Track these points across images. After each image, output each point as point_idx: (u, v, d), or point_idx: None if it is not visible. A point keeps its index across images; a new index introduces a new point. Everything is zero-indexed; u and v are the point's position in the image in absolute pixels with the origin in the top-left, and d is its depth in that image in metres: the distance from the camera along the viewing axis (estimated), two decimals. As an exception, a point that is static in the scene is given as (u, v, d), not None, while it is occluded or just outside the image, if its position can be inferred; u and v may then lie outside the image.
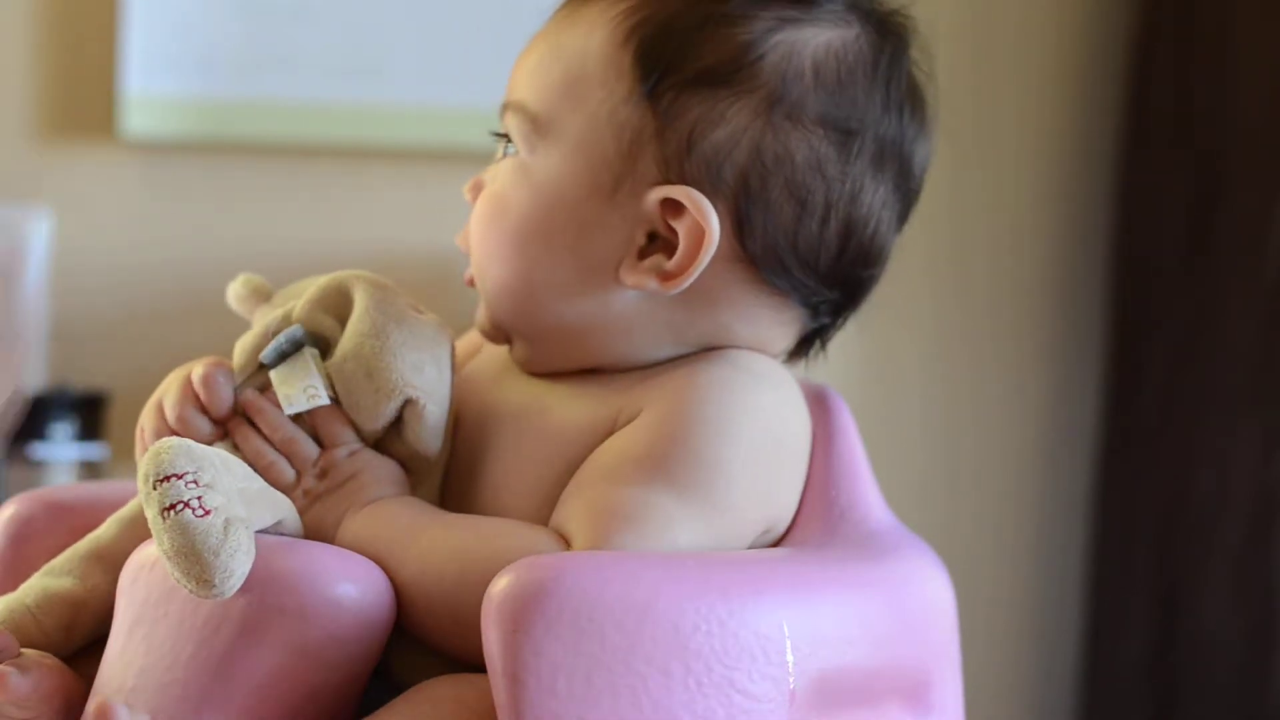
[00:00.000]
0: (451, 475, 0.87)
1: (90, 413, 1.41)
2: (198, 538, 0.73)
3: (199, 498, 0.73)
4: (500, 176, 0.87)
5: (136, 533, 0.83)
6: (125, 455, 1.44)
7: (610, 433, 0.83)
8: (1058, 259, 1.63)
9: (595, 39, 0.85)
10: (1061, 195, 1.62)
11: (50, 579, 0.84)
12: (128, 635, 0.78)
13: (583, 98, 0.84)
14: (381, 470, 0.84)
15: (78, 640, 0.83)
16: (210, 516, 0.73)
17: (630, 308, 0.85)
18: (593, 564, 0.75)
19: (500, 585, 0.73)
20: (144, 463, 0.75)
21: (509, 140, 0.87)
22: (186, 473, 0.74)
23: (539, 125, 0.85)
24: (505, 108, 0.87)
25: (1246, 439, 1.44)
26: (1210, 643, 1.47)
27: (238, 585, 0.74)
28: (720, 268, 0.84)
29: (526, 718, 0.72)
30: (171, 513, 0.73)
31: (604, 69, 0.84)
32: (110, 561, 0.83)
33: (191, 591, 0.74)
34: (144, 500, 0.75)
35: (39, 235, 1.48)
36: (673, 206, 0.83)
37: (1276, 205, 1.42)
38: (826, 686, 0.78)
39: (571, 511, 0.80)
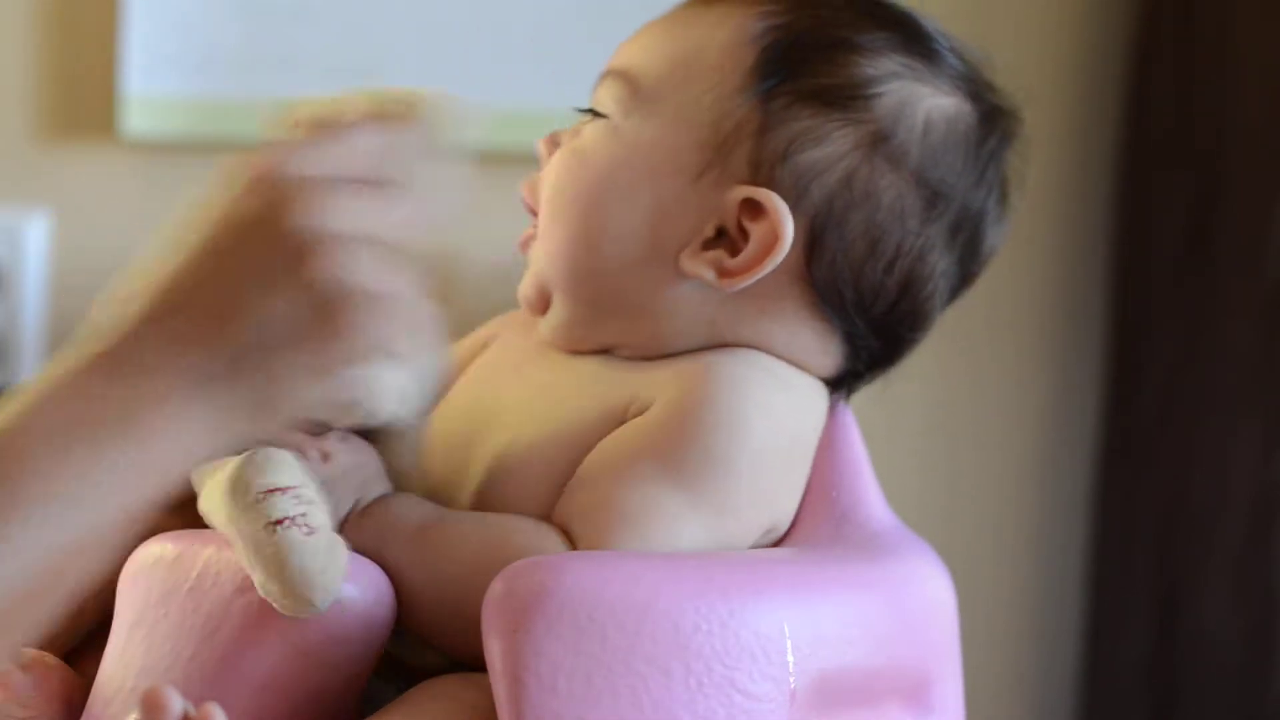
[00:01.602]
0: (460, 462, 0.86)
1: (90, 413, 1.41)
2: (306, 558, 0.72)
3: (304, 514, 0.72)
4: (586, 134, 0.87)
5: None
6: (125, 455, 1.44)
7: (621, 421, 0.83)
8: (1058, 259, 1.63)
9: (725, 29, 0.85)
10: (1061, 196, 1.62)
11: None
12: (128, 636, 0.78)
13: (694, 77, 0.85)
14: (373, 465, 0.82)
15: None
16: (316, 536, 0.72)
17: (681, 296, 0.84)
18: (593, 564, 0.75)
19: (500, 585, 0.73)
20: (241, 469, 0.74)
21: (595, 116, 0.87)
22: (293, 486, 0.73)
23: (640, 93, 0.85)
24: (605, 75, 0.87)
25: (1246, 439, 1.44)
26: (1210, 643, 1.47)
27: (331, 600, 0.73)
28: (781, 280, 0.83)
29: (527, 717, 0.72)
30: (279, 528, 0.72)
31: (724, 57, 0.85)
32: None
33: (282, 608, 0.73)
34: (237, 510, 0.73)
35: (39, 235, 1.48)
36: (751, 208, 0.83)
37: (1276, 205, 1.42)
38: (827, 686, 0.78)
39: (576, 509, 0.80)
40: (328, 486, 0.79)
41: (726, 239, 0.84)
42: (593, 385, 0.85)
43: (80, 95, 1.50)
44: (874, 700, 0.81)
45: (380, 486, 0.82)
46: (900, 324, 0.87)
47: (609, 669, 0.73)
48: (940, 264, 0.87)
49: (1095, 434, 1.63)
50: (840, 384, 0.90)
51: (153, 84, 1.47)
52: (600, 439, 0.82)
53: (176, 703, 0.68)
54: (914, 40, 0.87)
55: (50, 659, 0.81)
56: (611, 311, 0.85)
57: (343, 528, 0.80)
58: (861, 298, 0.85)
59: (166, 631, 0.77)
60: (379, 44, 1.50)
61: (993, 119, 0.88)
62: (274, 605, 0.73)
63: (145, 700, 0.68)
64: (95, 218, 1.50)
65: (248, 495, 0.73)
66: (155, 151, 1.50)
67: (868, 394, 1.59)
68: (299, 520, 0.72)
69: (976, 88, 0.88)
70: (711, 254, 0.83)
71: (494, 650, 0.73)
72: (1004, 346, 1.63)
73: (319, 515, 0.73)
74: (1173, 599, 1.51)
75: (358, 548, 0.79)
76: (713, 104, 0.84)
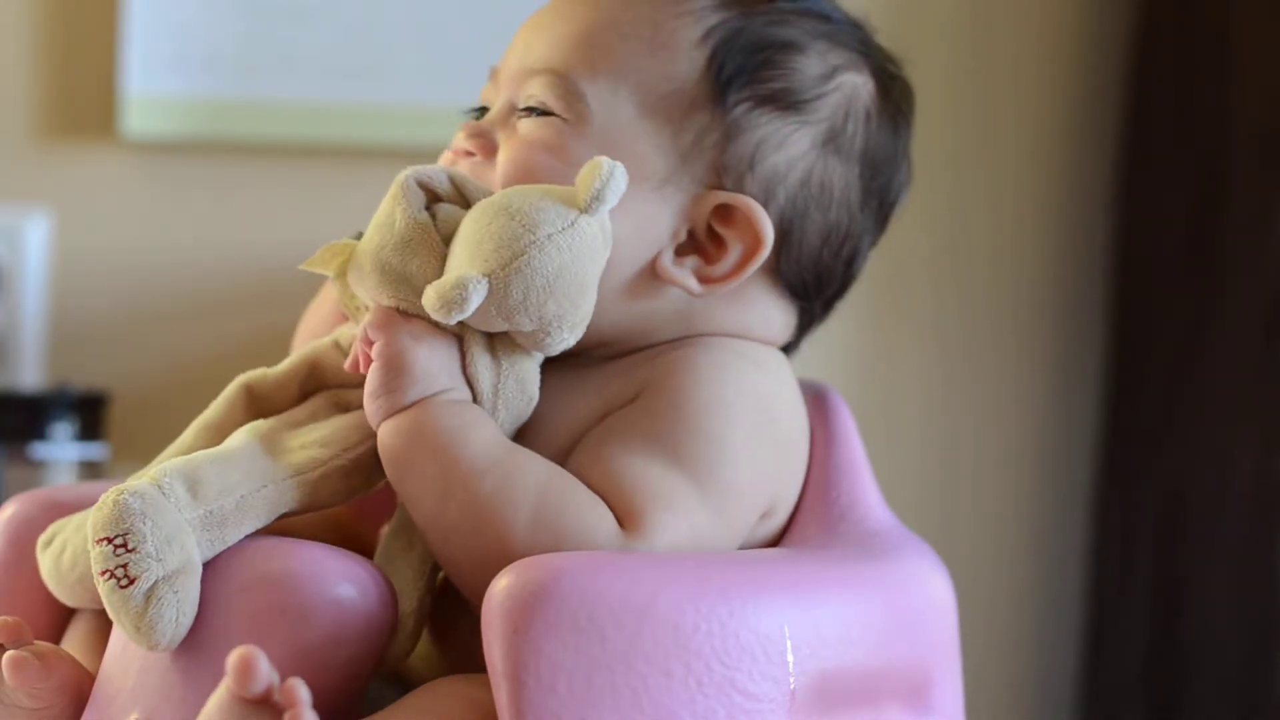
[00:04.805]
0: None
1: (90, 413, 1.41)
2: (119, 606, 0.75)
3: (124, 566, 0.75)
4: (535, 133, 0.85)
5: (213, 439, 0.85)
6: (125, 455, 1.44)
7: (606, 415, 0.83)
8: (1058, 259, 1.63)
9: (666, 28, 0.85)
10: (1061, 195, 1.62)
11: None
12: (128, 635, 0.78)
13: (647, 85, 0.85)
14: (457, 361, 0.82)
15: None
16: (132, 587, 0.75)
17: (657, 299, 0.85)
18: (593, 564, 0.75)
19: (500, 585, 0.73)
20: (88, 517, 0.77)
21: (527, 111, 0.86)
22: (115, 537, 0.75)
23: (589, 98, 0.85)
24: (535, 73, 0.86)
25: (1246, 439, 1.44)
26: (1210, 643, 1.47)
27: (171, 640, 0.75)
28: (755, 276, 0.86)
29: (527, 718, 0.72)
30: (102, 579, 0.75)
31: (674, 61, 0.85)
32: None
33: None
34: None
35: (39, 235, 1.48)
36: (723, 213, 0.85)
37: (1277, 206, 1.42)
38: (827, 687, 0.78)
39: (602, 484, 0.80)
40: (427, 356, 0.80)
41: (694, 241, 0.85)
42: (572, 392, 0.85)
43: (80, 95, 1.50)
44: (874, 700, 0.81)
45: (466, 390, 0.81)
46: (839, 294, 0.92)
47: (609, 669, 0.73)
48: (870, 238, 0.91)
49: (1095, 434, 1.63)
50: (787, 349, 0.92)
51: (153, 84, 1.47)
52: (588, 431, 0.83)
53: (265, 666, 0.69)
54: (826, 21, 0.88)
55: (63, 651, 0.81)
56: (604, 330, 0.84)
57: (425, 402, 0.79)
58: (820, 281, 0.89)
59: (167, 631, 0.77)
60: (379, 44, 1.50)
61: (900, 94, 0.91)
62: None
63: (237, 662, 0.69)
64: (95, 218, 1.50)
65: (90, 543, 0.76)
66: (155, 151, 1.50)
67: (868, 393, 1.59)
68: (116, 572, 0.75)
69: (879, 62, 0.90)
70: (688, 260, 0.85)
71: (494, 651, 0.73)
72: (1005, 347, 1.63)
73: (142, 563, 0.75)
74: (1173, 599, 1.51)
75: (440, 426, 0.79)
76: (669, 112, 0.85)
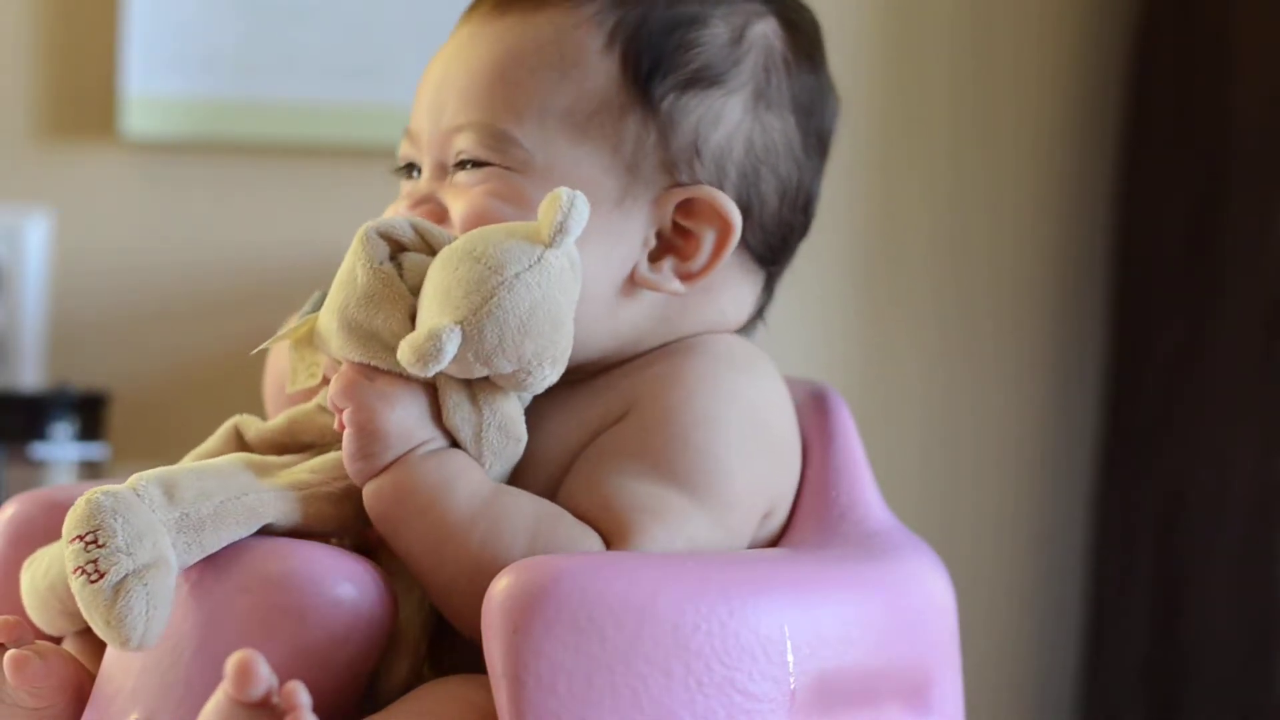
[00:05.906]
0: None
1: (90, 413, 1.41)
2: (89, 602, 0.74)
3: (94, 562, 0.74)
4: (483, 183, 0.84)
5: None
6: (125, 455, 1.44)
7: (598, 434, 0.83)
8: (1058, 259, 1.63)
9: (570, 45, 0.84)
10: (1061, 195, 1.62)
11: None
12: (128, 635, 0.78)
13: (571, 109, 0.84)
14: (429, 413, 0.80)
15: None
16: (101, 582, 0.74)
17: (636, 309, 0.85)
18: (592, 564, 0.75)
19: (500, 586, 0.73)
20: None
21: (461, 166, 0.84)
22: (86, 534, 0.75)
23: (521, 140, 0.83)
24: (458, 129, 0.84)
25: (1246, 439, 1.44)
26: (1210, 643, 1.47)
27: (143, 637, 0.74)
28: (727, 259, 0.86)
29: (527, 718, 0.72)
30: (73, 576, 0.75)
31: (589, 76, 0.84)
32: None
33: None
34: None
35: (39, 235, 1.48)
36: (686, 207, 0.84)
37: (1277, 206, 1.42)
38: (827, 687, 0.78)
39: (594, 507, 0.80)
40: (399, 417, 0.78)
41: (665, 242, 0.85)
42: (563, 410, 0.84)
43: (80, 95, 1.50)
44: (874, 700, 0.81)
45: (443, 438, 0.80)
46: (799, 242, 0.91)
47: (609, 669, 0.73)
48: (818, 177, 0.90)
49: (1095, 434, 1.63)
50: (761, 310, 0.92)
51: (153, 84, 1.47)
52: (581, 452, 0.82)
53: (264, 670, 0.69)
54: None
55: (63, 650, 0.81)
56: (581, 351, 0.83)
57: (404, 460, 0.78)
58: (784, 239, 0.89)
59: (169, 630, 0.77)
60: (379, 44, 1.50)
61: (808, 26, 0.90)
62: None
63: (235, 667, 0.68)
64: (95, 218, 1.50)
65: (64, 545, 0.76)
66: (155, 151, 1.50)
67: (868, 393, 1.59)
68: (86, 568, 0.74)
69: (778, 2, 0.89)
70: (665, 262, 0.85)
71: (494, 651, 0.73)
72: (1005, 347, 1.63)
73: (112, 559, 0.74)
74: (1173, 599, 1.51)
75: (422, 484, 0.78)
76: (602, 129, 0.84)
